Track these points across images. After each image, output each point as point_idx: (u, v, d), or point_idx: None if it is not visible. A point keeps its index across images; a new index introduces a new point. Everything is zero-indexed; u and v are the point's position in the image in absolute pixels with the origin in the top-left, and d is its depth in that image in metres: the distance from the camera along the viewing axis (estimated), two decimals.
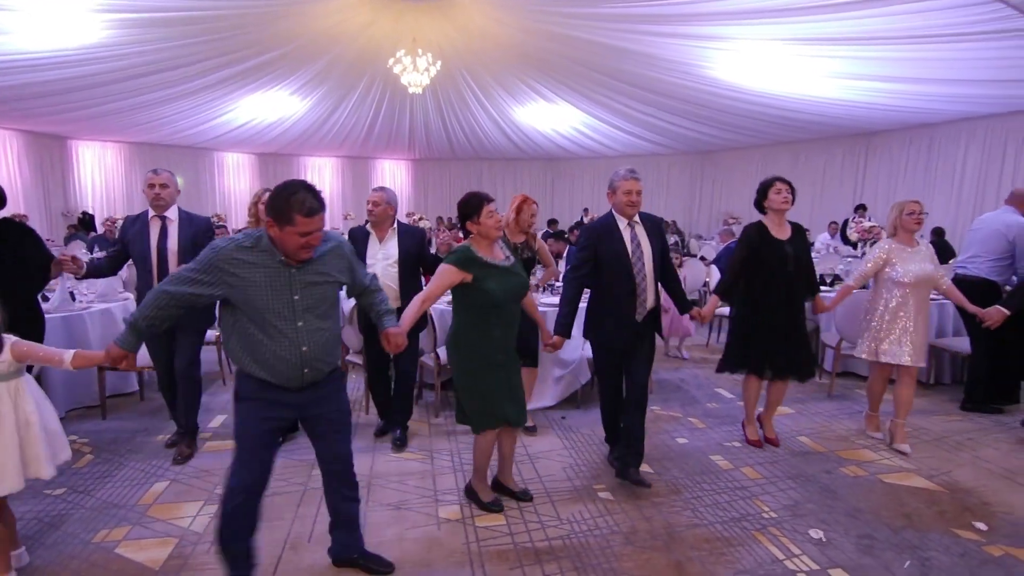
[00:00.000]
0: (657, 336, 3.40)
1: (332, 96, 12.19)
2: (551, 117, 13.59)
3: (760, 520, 2.95)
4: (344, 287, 2.37)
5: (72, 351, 2.32)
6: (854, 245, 8.23)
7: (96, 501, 3.11)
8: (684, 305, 3.47)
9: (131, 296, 5.15)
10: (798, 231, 3.64)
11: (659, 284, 3.36)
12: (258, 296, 2.07)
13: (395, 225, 3.80)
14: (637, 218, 3.25)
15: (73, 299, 4.55)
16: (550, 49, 9.74)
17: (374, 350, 3.76)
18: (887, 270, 3.73)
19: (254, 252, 2.08)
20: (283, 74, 10.56)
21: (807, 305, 3.85)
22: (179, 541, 2.74)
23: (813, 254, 4.37)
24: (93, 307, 4.61)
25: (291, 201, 1.98)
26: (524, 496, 3.12)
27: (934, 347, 5.11)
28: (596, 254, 3.20)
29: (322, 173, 18.03)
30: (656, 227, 3.34)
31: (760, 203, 3.68)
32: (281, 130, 14.22)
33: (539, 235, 4.03)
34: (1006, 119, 9.54)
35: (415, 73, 9.63)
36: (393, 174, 19.11)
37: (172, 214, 3.63)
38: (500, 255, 2.82)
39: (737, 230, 10.49)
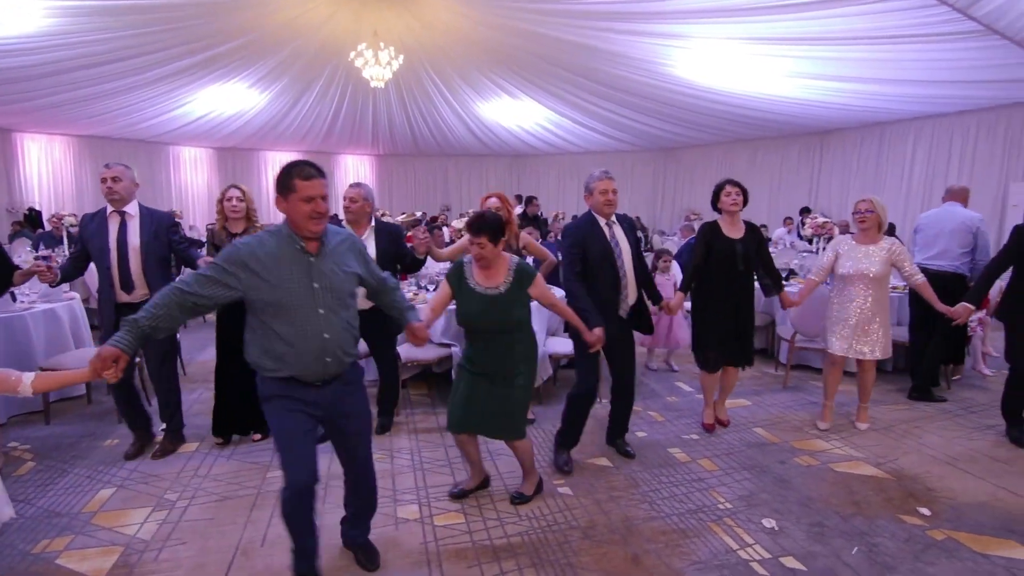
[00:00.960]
0: (648, 345, 3.63)
1: (292, 89, 11.93)
2: (516, 113, 13.57)
3: (716, 511, 3.00)
4: (360, 281, 2.36)
5: (32, 373, 2.06)
6: (809, 240, 8.45)
7: (37, 510, 2.98)
8: (655, 297, 3.61)
9: (77, 296, 4.95)
10: (752, 231, 3.79)
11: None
12: (280, 283, 2.09)
13: (372, 223, 3.72)
14: (614, 217, 3.39)
15: (14, 299, 4.34)
16: (514, 45, 9.72)
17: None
18: (837, 265, 3.91)
19: (275, 241, 2.14)
20: (241, 66, 10.28)
21: (776, 300, 4.02)
22: (125, 549, 2.65)
23: (772, 249, 4.48)
24: (36, 307, 4.41)
25: (290, 171, 2.10)
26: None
27: None
28: (584, 252, 3.27)
29: None
30: (630, 226, 3.49)
31: (714, 204, 3.84)
32: (240, 124, 13.85)
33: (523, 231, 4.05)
34: (952, 118, 9.91)
35: (377, 67, 9.50)
36: (356, 170, 18.82)
37: (132, 209, 3.50)
38: (492, 281, 2.81)
39: (697, 226, 10.69)
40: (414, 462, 3.53)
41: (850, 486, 3.27)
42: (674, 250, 9.42)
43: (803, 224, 9.13)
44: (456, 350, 4.43)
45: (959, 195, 4.97)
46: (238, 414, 3.76)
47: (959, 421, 4.23)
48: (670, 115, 12.35)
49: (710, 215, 13.60)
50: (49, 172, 13.61)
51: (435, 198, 18.32)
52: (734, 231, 3.75)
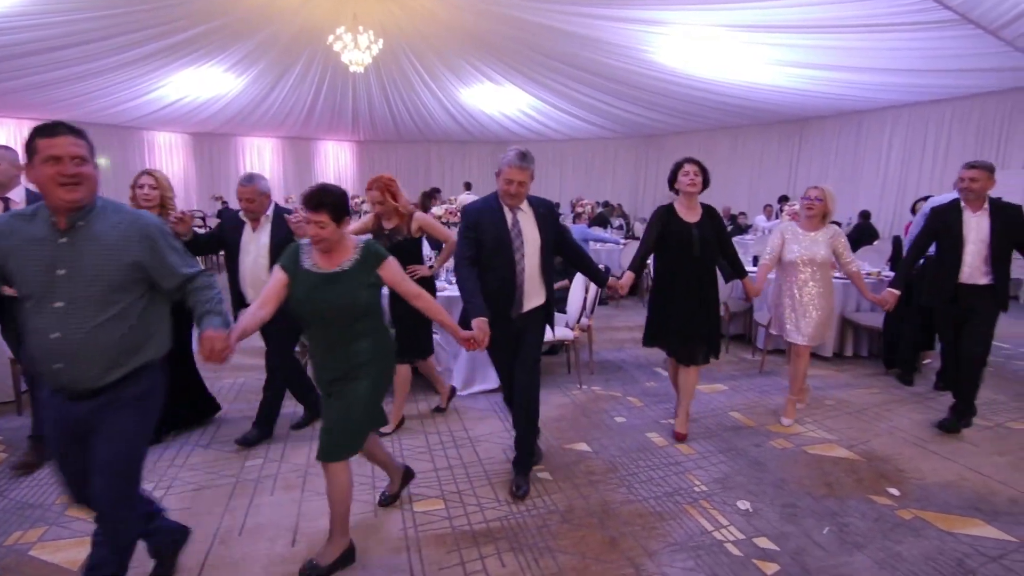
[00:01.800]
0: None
1: (270, 73, 11.72)
2: (498, 100, 13.49)
3: (692, 494, 3.05)
4: (149, 274, 1.95)
5: None
6: None
7: (9, 502, 2.93)
8: (600, 280, 3.35)
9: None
10: (709, 214, 3.55)
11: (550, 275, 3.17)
12: (17, 267, 1.80)
13: (269, 212, 3.48)
14: (523, 206, 2.97)
15: None
16: (496, 31, 9.64)
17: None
18: (783, 251, 3.88)
19: (30, 218, 1.84)
20: (216, 49, 10.07)
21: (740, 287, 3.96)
22: None
23: (751, 235, 4.48)
24: None
25: (33, 132, 1.78)
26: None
27: (849, 321, 5.41)
28: (479, 236, 2.91)
29: (262, 154, 17.38)
30: (549, 214, 3.06)
31: (671, 183, 3.59)
32: (216, 108, 13.59)
33: (417, 213, 3.69)
34: (927, 107, 10.06)
35: (356, 51, 9.37)
36: (336, 156, 18.61)
37: (16, 195, 3.23)
38: (333, 263, 2.33)
39: None
40: (394, 449, 3.53)
41: (823, 468, 3.34)
42: None
43: (781, 211, 9.24)
44: (437, 337, 4.43)
45: None
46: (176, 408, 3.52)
47: (929, 404, 4.33)
48: (651, 102, 12.37)
49: None
50: (19, 158, 13.25)
51: (417, 185, 18.17)
52: (691, 214, 3.49)
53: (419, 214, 3.68)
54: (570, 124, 15.32)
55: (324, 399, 2.44)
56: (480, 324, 2.68)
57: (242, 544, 2.59)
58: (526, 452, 3.06)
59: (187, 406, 3.73)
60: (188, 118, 14.19)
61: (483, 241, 2.90)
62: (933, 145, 10.07)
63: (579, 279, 4.72)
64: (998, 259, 3.63)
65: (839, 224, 4.20)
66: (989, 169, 3.64)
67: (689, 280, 3.48)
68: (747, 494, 3.05)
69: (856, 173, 11.48)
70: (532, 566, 2.45)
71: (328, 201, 2.26)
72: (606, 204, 13.01)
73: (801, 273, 3.81)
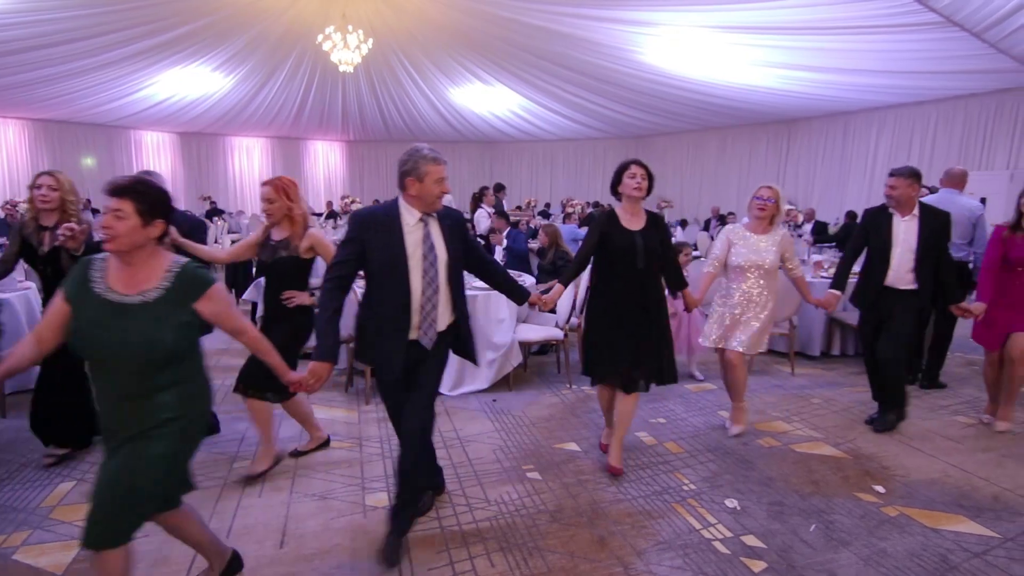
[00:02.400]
0: None
1: (259, 73, 11.68)
2: (488, 99, 13.51)
3: (680, 492, 3.07)
4: None
5: None
6: None
7: None
8: (519, 296, 2.87)
9: (32, 285, 4.79)
10: (654, 222, 3.19)
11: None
12: None
13: None
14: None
15: None
16: (485, 30, 9.65)
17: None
18: (730, 254, 3.67)
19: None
20: (204, 48, 10.01)
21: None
22: None
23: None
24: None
25: None
26: None
27: (837, 321, 5.45)
28: (364, 247, 2.42)
29: (250, 154, 17.30)
30: (457, 227, 2.59)
31: (614, 188, 3.22)
32: (204, 108, 13.53)
33: (314, 225, 3.23)
34: (913, 108, 10.18)
35: (346, 51, 9.35)
36: (326, 156, 18.55)
37: None
38: (135, 287, 1.80)
39: (667, 214, 10.80)
40: (383, 450, 3.53)
41: (809, 466, 3.37)
42: None
43: None
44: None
45: (958, 180, 4.74)
46: (54, 422, 3.35)
47: (914, 402, 4.37)
48: (640, 102, 12.43)
49: (680, 203, 13.80)
50: (3, 158, 13.13)
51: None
52: (634, 221, 3.13)
53: (314, 231, 3.16)
54: (560, 124, 15.36)
55: (104, 459, 1.90)
56: (317, 369, 2.26)
57: (230, 546, 2.57)
58: (406, 512, 2.52)
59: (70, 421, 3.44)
60: (176, 117, 14.10)
61: (376, 256, 2.40)
62: (919, 146, 10.19)
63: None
64: (924, 266, 3.64)
65: (825, 224, 4.27)
66: (911, 176, 3.64)
67: (633, 295, 3.10)
68: (735, 492, 3.07)
69: (843, 174, 11.60)
70: (521, 566, 2.45)
71: (138, 189, 1.78)
72: (596, 204, 13.05)
73: (747, 279, 3.62)
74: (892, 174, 3.69)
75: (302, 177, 17.95)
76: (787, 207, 6.80)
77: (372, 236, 2.41)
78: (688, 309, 3.54)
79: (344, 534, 2.67)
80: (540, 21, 8.73)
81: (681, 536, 2.68)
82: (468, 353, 2.73)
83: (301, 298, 3.16)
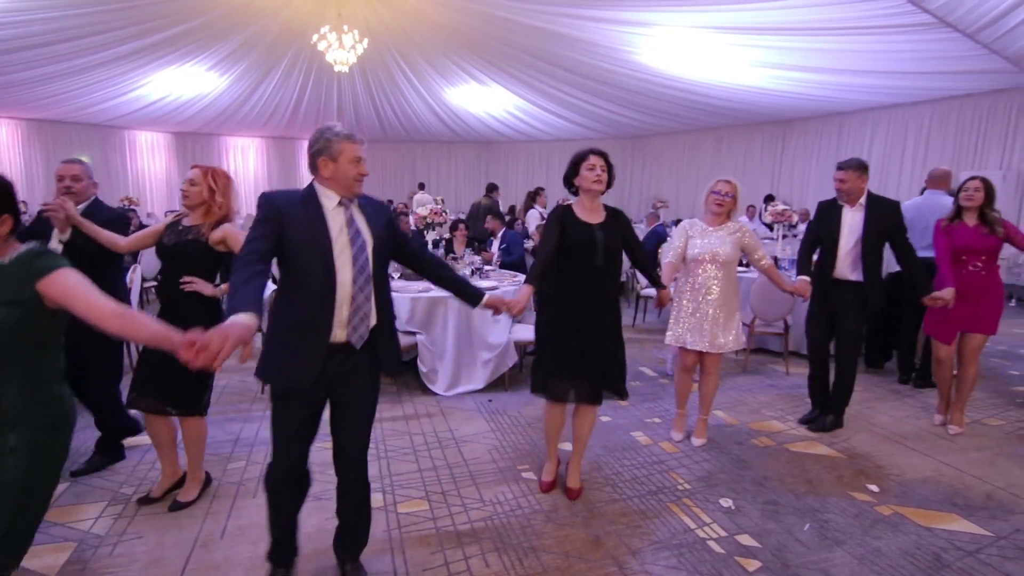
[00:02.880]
0: None
1: (253, 73, 11.62)
2: (484, 100, 13.49)
3: (675, 492, 3.07)
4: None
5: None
6: (770, 227, 8.65)
7: None
8: (472, 298, 2.49)
9: None
10: (615, 217, 2.96)
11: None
12: None
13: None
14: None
15: None
16: (481, 30, 9.64)
17: None
18: (687, 246, 3.54)
19: None
20: (198, 48, 9.96)
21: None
22: (78, 545, 2.58)
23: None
24: None
25: None
26: None
27: None
28: (281, 234, 2.03)
29: (246, 154, 17.24)
30: (381, 215, 2.26)
31: (570, 180, 2.97)
32: (199, 108, 13.45)
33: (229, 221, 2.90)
34: (907, 109, 10.21)
35: (341, 51, 9.31)
36: None
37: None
38: None
39: (663, 214, 10.82)
40: (378, 451, 3.52)
41: (804, 465, 3.38)
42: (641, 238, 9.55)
43: (765, 211, 9.34)
44: (422, 338, 4.42)
45: (942, 181, 4.79)
46: None
47: (908, 401, 4.40)
48: (636, 103, 12.43)
49: (676, 203, 13.78)
50: None
51: (403, 185, 18.13)
52: (593, 215, 2.89)
53: (228, 225, 2.87)
54: (555, 124, 15.34)
55: None
56: (237, 325, 1.66)
57: (224, 547, 2.57)
58: (356, 528, 2.40)
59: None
60: (170, 117, 14.03)
61: (294, 238, 2.03)
62: (913, 146, 10.22)
63: None
64: (869, 255, 3.65)
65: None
66: (858, 168, 3.68)
67: (590, 297, 2.83)
68: (729, 492, 3.07)
69: None
70: (516, 566, 2.45)
71: None
72: None
73: (704, 272, 3.49)
74: (841, 167, 3.71)
75: (298, 177, 17.91)
76: (782, 207, 6.84)
77: (288, 216, 2.02)
78: (660, 305, 3.21)
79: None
80: (536, 21, 8.73)
81: (676, 536, 2.68)
82: (390, 365, 2.27)
83: (201, 286, 2.74)
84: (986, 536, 2.69)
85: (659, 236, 8.51)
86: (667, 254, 3.61)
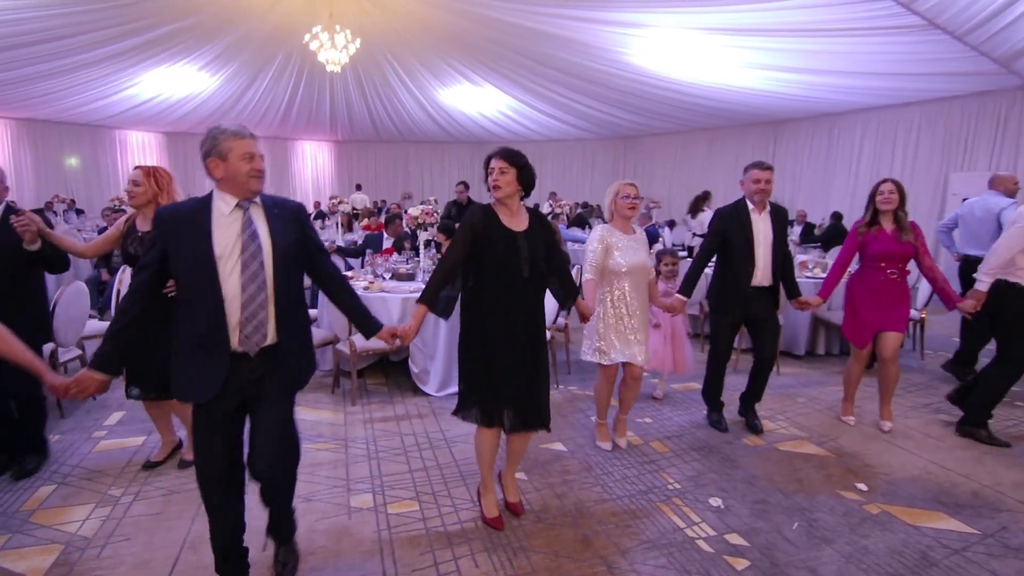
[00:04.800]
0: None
1: (245, 72, 11.59)
2: (477, 100, 13.49)
3: (665, 492, 3.08)
4: None
5: None
6: None
7: None
8: (368, 328, 2.36)
9: None
10: (540, 222, 2.69)
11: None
12: None
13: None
14: (259, 199, 2.09)
15: None
16: (473, 31, 9.64)
17: None
18: (609, 260, 3.34)
19: None
20: (189, 48, 9.93)
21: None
22: (65, 548, 2.56)
23: None
24: None
25: None
26: None
27: (821, 320, 5.50)
28: (168, 248, 2.00)
29: None
30: (292, 218, 2.16)
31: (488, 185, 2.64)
32: (190, 108, 13.41)
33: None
34: (896, 110, 10.28)
35: (333, 51, 9.30)
36: (315, 156, 18.45)
37: None
38: None
39: (656, 214, 10.85)
40: (369, 451, 3.51)
41: (793, 464, 3.40)
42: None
43: None
44: (416, 340, 4.40)
45: (1005, 183, 4.84)
46: None
47: (897, 401, 4.40)
48: (628, 103, 12.47)
49: (667, 203, 13.78)
50: None
51: (396, 185, 18.11)
52: (516, 221, 2.59)
53: (139, 218, 2.96)
54: (548, 125, 15.37)
55: None
56: (83, 378, 1.94)
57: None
58: (282, 531, 2.42)
59: None
60: (162, 117, 13.97)
61: (180, 260, 1.98)
62: (903, 147, 10.30)
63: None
64: (778, 260, 3.69)
65: (814, 225, 4.30)
66: (773, 171, 3.72)
67: (517, 313, 2.57)
68: (719, 491, 3.08)
69: (829, 174, 11.70)
70: (506, 566, 2.45)
71: None
72: (585, 205, 13.08)
73: (626, 282, 3.35)
74: (764, 167, 3.66)
75: (290, 177, 17.86)
76: None
77: (172, 238, 1.99)
78: (583, 319, 3.04)
79: (328, 536, 2.66)
80: (528, 22, 8.74)
81: (665, 535, 2.69)
82: (294, 381, 2.20)
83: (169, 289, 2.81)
84: (973, 534, 2.71)
85: (652, 237, 8.54)
86: (587, 270, 3.31)
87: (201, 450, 2.13)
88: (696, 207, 7.80)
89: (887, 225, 3.74)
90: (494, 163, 2.57)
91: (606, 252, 3.30)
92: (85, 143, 14.23)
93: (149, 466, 3.29)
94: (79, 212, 12.66)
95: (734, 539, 2.66)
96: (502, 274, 2.55)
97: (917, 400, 4.44)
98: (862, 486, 3.15)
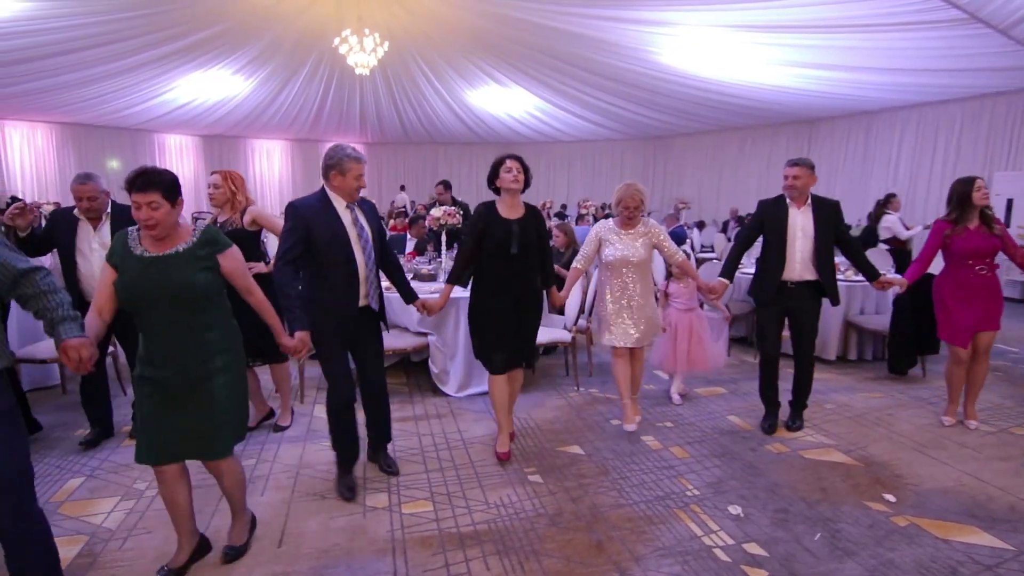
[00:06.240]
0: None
1: (278, 76, 11.83)
2: (504, 101, 13.51)
3: (683, 498, 3.02)
4: None
5: None
6: None
7: None
8: (407, 295, 3.27)
9: None
10: (533, 215, 3.35)
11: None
12: None
13: (108, 210, 3.45)
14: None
15: None
16: (501, 32, 9.65)
17: None
18: (601, 252, 3.70)
19: None
20: (224, 53, 10.18)
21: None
22: (89, 539, 2.64)
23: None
24: None
25: None
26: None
27: (854, 324, 5.34)
28: (310, 236, 2.79)
29: (271, 156, 17.55)
30: (372, 212, 3.06)
31: (492, 182, 3.35)
32: (225, 111, 13.75)
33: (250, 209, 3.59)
34: (937, 108, 9.93)
35: (362, 54, 9.41)
36: None
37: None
38: (169, 247, 2.19)
39: (685, 215, 10.70)
40: (388, 450, 3.52)
41: (818, 472, 3.30)
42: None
43: None
44: (433, 339, 4.43)
45: None
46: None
47: (931, 408, 4.26)
48: (657, 103, 12.33)
49: (698, 204, 13.62)
50: (32, 160, 13.48)
51: (425, 187, 18.24)
52: (512, 212, 3.28)
53: (253, 207, 3.61)
54: (576, 125, 15.30)
55: (146, 386, 2.23)
56: (303, 337, 2.65)
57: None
58: (382, 427, 3.29)
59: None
60: (198, 121, 14.35)
61: (317, 239, 2.78)
62: (944, 146, 9.93)
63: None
64: (822, 255, 3.62)
65: (848, 227, 4.19)
66: (811, 166, 3.67)
67: (510, 283, 3.24)
68: (739, 499, 3.01)
69: (866, 174, 11.36)
70: (516, 569, 2.43)
71: (158, 180, 2.13)
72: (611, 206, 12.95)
73: (621, 276, 3.65)
74: (795, 163, 3.65)
75: (320, 179, 18.14)
76: None
77: (310, 222, 2.77)
78: (554, 305, 3.59)
79: (342, 534, 2.68)
80: (555, 23, 8.71)
81: (681, 543, 2.64)
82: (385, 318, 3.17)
83: (257, 267, 3.36)
84: (1007, 550, 2.59)
85: (678, 238, 8.43)
86: (577, 260, 3.74)
87: (333, 374, 2.98)
88: (879, 212, 7.53)
89: (972, 221, 3.66)
90: (511, 164, 3.28)
91: (598, 246, 3.70)
92: (126, 146, 14.71)
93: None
94: None
95: (752, 548, 2.59)
96: (498, 252, 3.21)
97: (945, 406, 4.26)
98: (890, 497, 3.04)
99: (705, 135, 15.00)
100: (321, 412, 4.11)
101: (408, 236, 6.47)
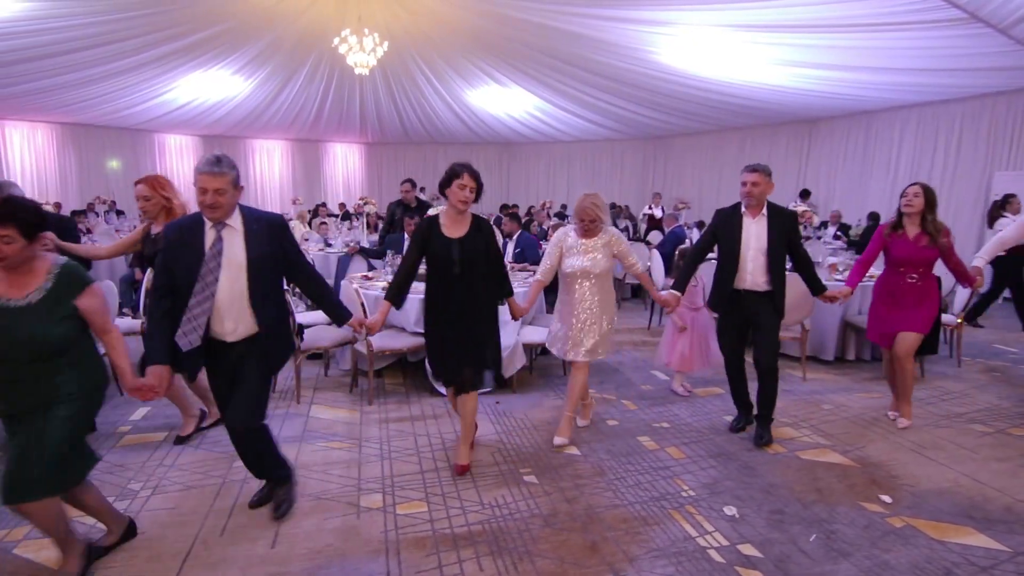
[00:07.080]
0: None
1: (278, 76, 11.81)
2: (504, 101, 13.49)
3: (679, 499, 3.01)
4: None
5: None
6: None
7: None
8: (340, 318, 2.87)
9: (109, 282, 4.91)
10: (478, 227, 3.18)
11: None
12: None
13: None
14: (232, 220, 2.63)
15: None
16: (500, 32, 9.64)
17: None
18: (562, 262, 3.60)
19: None
20: (224, 53, 10.16)
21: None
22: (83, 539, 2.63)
23: None
24: None
25: None
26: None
27: (852, 325, 5.32)
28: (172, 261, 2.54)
29: (271, 156, 17.53)
30: (269, 231, 2.69)
31: (443, 189, 3.19)
32: (225, 111, 13.72)
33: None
34: (937, 107, 9.89)
35: (361, 54, 9.40)
36: (345, 158, 18.71)
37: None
38: (22, 289, 2.10)
39: (685, 215, 10.67)
40: (382, 451, 3.53)
41: (815, 473, 3.29)
42: (657, 240, 9.43)
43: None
44: None
45: None
46: None
47: (929, 409, 4.25)
48: (657, 103, 12.29)
49: (698, 205, 13.60)
50: (32, 160, 13.48)
51: (427, 187, 18.23)
52: (455, 228, 3.13)
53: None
54: (576, 125, 15.27)
55: (8, 433, 2.17)
56: (156, 372, 2.41)
57: (223, 544, 2.59)
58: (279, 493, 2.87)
59: None
60: (198, 121, 14.33)
61: (178, 264, 2.49)
62: (944, 146, 9.89)
63: None
64: (774, 265, 3.53)
65: (850, 226, 4.17)
66: (768, 173, 3.59)
67: (453, 302, 3.13)
68: (734, 499, 3.00)
69: (865, 174, 11.33)
70: (510, 570, 2.43)
71: (16, 212, 2.02)
72: (613, 205, 12.94)
73: (581, 286, 3.55)
74: (753, 169, 3.57)
75: (322, 179, 18.16)
76: (802, 208, 6.69)
77: (180, 245, 2.57)
78: (515, 317, 3.48)
79: (336, 535, 2.67)
80: (555, 22, 8.69)
81: (676, 544, 2.63)
82: (276, 362, 2.78)
83: None
84: (1003, 551, 2.58)
85: (678, 238, 8.42)
86: (539, 272, 3.66)
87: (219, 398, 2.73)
88: (994, 215, 7.34)
89: (911, 230, 3.70)
90: (467, 180, 3.09)
91: (558, 256, 3.60)
92: (126, 146, 14.71)
93: (180, 441, 3.61)
94: (119, 213, 13.09)
95: (747, 550, 2.58)
96: (439, 270, 3.13)
97: (950, 409, 4.26)
98: (886, 498, 3.03)
99: (705, 135, 14.97)
100: (318, 412, 4.13)
101: (405, 236, 6.45)
